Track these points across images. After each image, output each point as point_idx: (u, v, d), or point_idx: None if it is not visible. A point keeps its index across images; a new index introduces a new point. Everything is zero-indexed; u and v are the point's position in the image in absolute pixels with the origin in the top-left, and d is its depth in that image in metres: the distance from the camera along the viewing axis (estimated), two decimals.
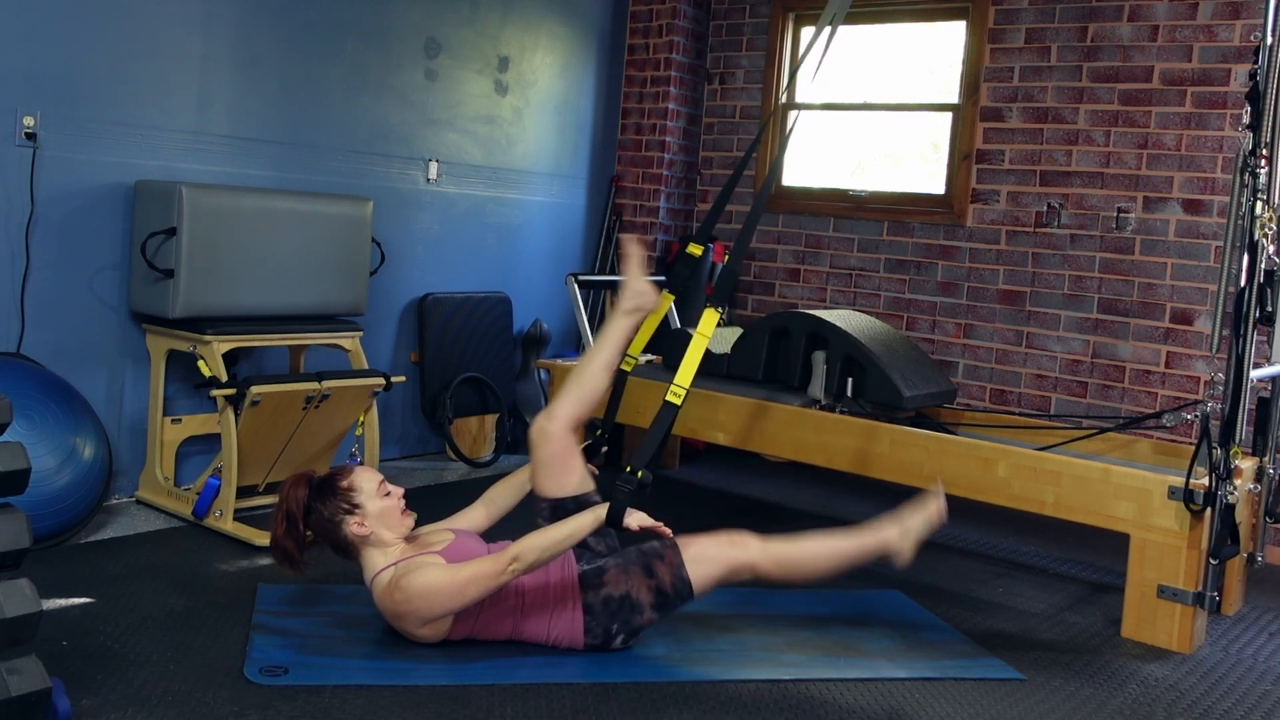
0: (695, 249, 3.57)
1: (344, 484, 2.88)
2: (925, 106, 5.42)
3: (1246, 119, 3.27)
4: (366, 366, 4.17)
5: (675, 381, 2.93)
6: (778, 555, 2.96)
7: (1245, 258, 3.24)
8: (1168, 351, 4.65)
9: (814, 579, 3.04)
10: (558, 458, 3.06)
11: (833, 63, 5.38)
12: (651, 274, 5.71)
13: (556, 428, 3.08)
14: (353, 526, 2.85)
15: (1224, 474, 3.21)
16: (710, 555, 2.91)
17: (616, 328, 3.21)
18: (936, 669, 2.99)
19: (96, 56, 3.81)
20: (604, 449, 3.42)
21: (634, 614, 2.88)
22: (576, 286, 4.81)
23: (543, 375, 5.37)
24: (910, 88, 5.53)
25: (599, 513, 2.72)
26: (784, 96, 5.67)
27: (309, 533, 2.89)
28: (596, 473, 3.22)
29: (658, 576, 2.88)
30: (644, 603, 2.88)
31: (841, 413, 4.00)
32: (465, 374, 5.05)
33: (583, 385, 3.13)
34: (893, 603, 3.52)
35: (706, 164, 6.03)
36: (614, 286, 5.63)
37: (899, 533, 3.03)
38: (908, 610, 3.46)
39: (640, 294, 3.22)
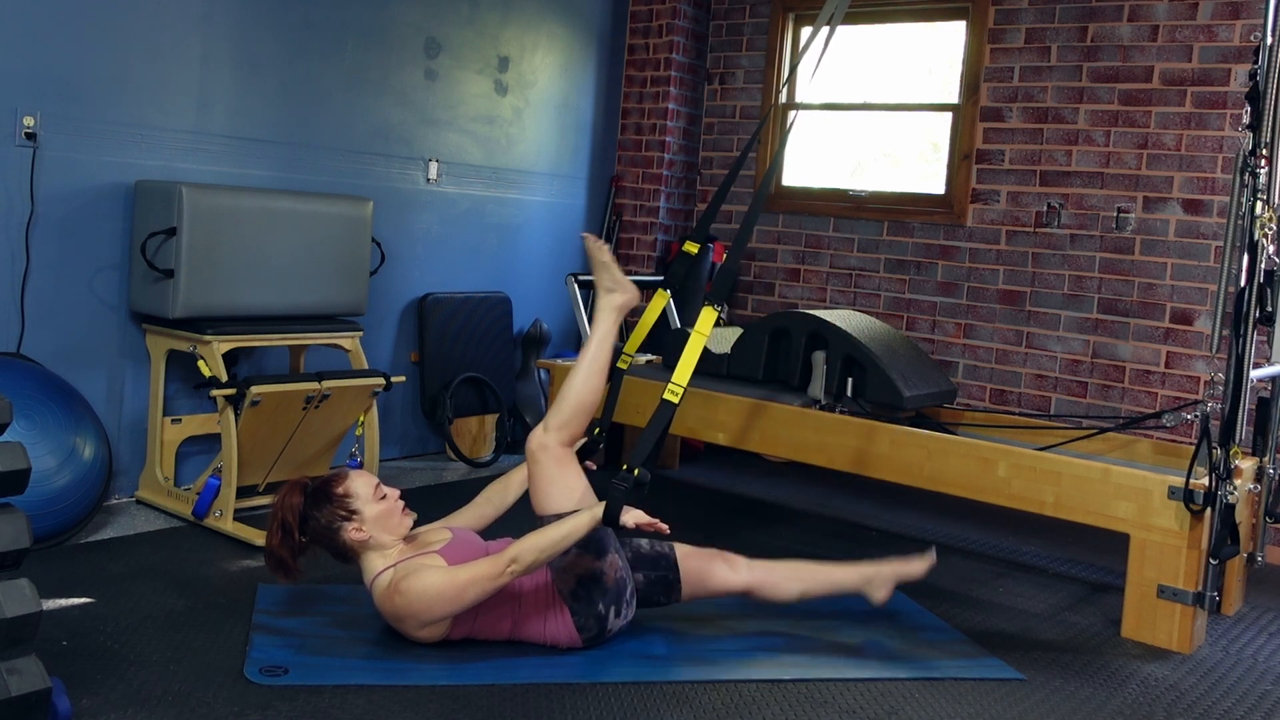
0: (691, 247, 3.52)
1: (339, 490, 2.87)
2: (925, 106, 5.42)
3: (1246, 119, 3.27)
4: (366, 366, 4.17)
5: (673, 380, 2.92)
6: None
7: (1245, 258, 3.24)
8: (1168, 351, 4.65)
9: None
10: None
11: (832, 63, 5.39)
12: (651, 274, 5.75)
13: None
14: (350, 532, 2.84)
15: (1224, 474, 3.21)
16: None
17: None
18: (936, 669, 2.99)
19: (96, 57, 3.81)
20: (600, 446, 3.32)
21: (600, 579, 2.86)
22: (576, 286, 4.81)
23: (543, 375, 5.37)
24: (910, 88, 5.52)
25: (596, 512, 2.72)
26: (783, 95, 5.66)
27: (303, 539, 2.88)
28: (594, 468, 3.20)
29: (585, 545, 2.85)
30: (599, 565, 2.85)
31: (841, 413, 3.99)
32: (465, 374, 5.05)
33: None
34: (893, 603, 3.51)
35: (706, 164, 6.02)
36: None
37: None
38: (908, 610, 3.46)
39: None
